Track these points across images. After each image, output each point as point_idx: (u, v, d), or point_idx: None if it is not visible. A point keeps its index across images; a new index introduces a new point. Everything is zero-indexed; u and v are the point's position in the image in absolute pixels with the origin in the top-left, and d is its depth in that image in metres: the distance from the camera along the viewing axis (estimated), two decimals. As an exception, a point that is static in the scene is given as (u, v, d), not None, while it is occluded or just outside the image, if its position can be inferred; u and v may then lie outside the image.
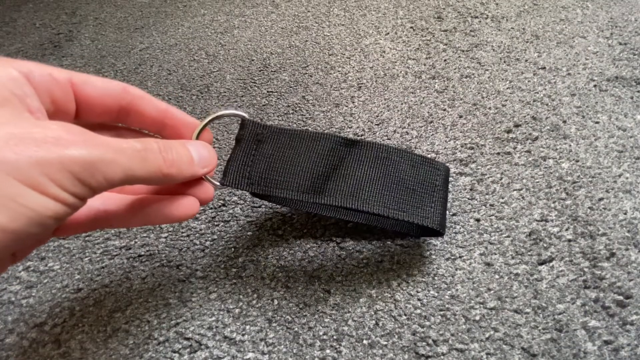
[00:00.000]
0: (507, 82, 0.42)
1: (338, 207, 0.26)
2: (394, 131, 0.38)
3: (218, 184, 0.23)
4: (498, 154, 0.35)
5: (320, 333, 0.25)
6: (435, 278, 0.27)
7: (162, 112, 0.22)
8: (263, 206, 0.33)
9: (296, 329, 0.25)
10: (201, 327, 0.26)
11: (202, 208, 0.33)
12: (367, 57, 0.48)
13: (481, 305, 0.26)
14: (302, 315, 0.26)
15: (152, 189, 0.23)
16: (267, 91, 0.44)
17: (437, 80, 0.43)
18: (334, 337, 0.25)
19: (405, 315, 0.25)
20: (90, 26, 0.60)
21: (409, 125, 0.38)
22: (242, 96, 0.44)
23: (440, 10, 0.56)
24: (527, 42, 0.47)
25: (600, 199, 0.31)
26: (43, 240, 0.20)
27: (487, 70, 0.44)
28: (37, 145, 0.14)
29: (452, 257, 0.28)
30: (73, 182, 0.15)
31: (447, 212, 0.31)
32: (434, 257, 0.28)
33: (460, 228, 0.30)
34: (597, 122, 0.37)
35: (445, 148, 0.36)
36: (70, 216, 0.17)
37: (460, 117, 0.39)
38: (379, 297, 0.26)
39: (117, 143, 0.17)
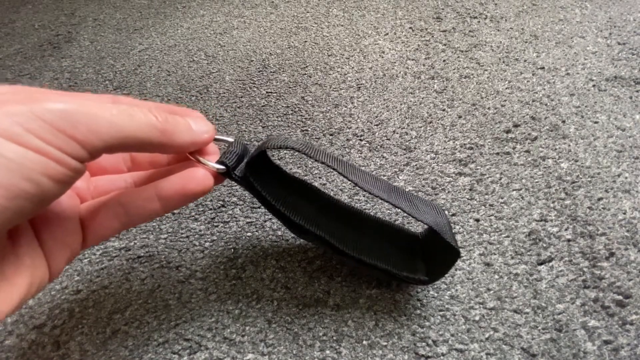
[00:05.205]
0: (506, 82, 0.42)
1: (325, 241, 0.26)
2: (394, 131, 0.38)
3: (219, 166, 0.21)
4: (497, 154, 0.35)
5: (320, 334, 0.25)
6: (435, 278, 0.27)
7: (152, 108, 0.22)
8: (262, 207, 0.33)
9: (296, 329, 0.25)
10: (201, 328, 0.26)
11: (201, 209, 0.33)
12: (366, 58, 0.48)
13: (481, 306, 0.25)
14: (301, 316, 0.26)
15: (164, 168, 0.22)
16: (267, 92, 0.44)
17: (436, 81, 0.43)
18: (334, 337, 0.25)
19: (404, 315, 0.25)
20: (89, 27, 0.60)
21: (408, 125, 0.38)
22: (241, 97, 0.44)
23: (439, 10, 0.56)
24: (526, 42, 0.48)
25: (600, 199, 0.31)
26: (69, 227, 0.19)
27: (486, 70, 0.44)
28: (7, 102, 0.14)
29: (452, 258, 0.28)
30: (53, 133, 0.14)
31: (447, 212, 0.31)
32: (433, 257, 0.28)
33: (459, 228, 0.30)
34: (596, 122, 0.37)
35: (444, 148, 0.36)
36: (75, 184, 0.16)
37: (460, 117, 0.39)
38: (379, 297, 0.26)
39: (100, 99, 0.16)
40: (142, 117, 0.17)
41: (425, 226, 0.28)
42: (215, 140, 0.22)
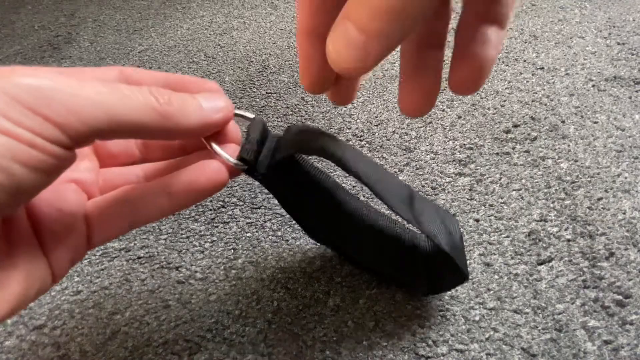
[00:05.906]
0: (506, 82, 0.42)
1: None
2: (393, 132, 0.38)
3: (236, 161, 0.19)
4: (497, 154, 0.35)
5: (320, 334, 0.25)
6: (435, 278, 0.27)
7: (162, 80, 0.19)
8: (262, 207, 0.33)
9: (296, 330, 0.25)
10: (201, 329, 0.26)
11: (201, 210, 0.33)
12: (365, 58, 0.48)
13: (481, 306, 0.26)
14: (301, 316, 0.26)
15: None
16: (266, 92, 0.44)
17: (435, 81, 0.43)
18: (334, 338, 0.25)
19: (404, 315, 0.25)
20: (89, 28, 0.60)
21: (407, 125, 0.38)
22: (241, 97, 0.44)
23: (438, 11, 0.56)
24: (525, 42, 0.48)
25: (599, 199, 0.31)
26: (73, 226, 0.17)
27: (486, 70, 0.44)
28: None
29: (452, 258, 0.28)
30: (23, 112, 0.12)
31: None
32: (433, 257, 0.28)
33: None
34: (595, 122, 0.37)
35: (444, 148, 0.36)
36: (61, 174, 0.14)
37: (459, 117, 0.39)
38: (379, 297, 0.26)
39: (104, 72, 0.15)
40: (138, 97, 0.15)
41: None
42: (235, 115, 0.19)
